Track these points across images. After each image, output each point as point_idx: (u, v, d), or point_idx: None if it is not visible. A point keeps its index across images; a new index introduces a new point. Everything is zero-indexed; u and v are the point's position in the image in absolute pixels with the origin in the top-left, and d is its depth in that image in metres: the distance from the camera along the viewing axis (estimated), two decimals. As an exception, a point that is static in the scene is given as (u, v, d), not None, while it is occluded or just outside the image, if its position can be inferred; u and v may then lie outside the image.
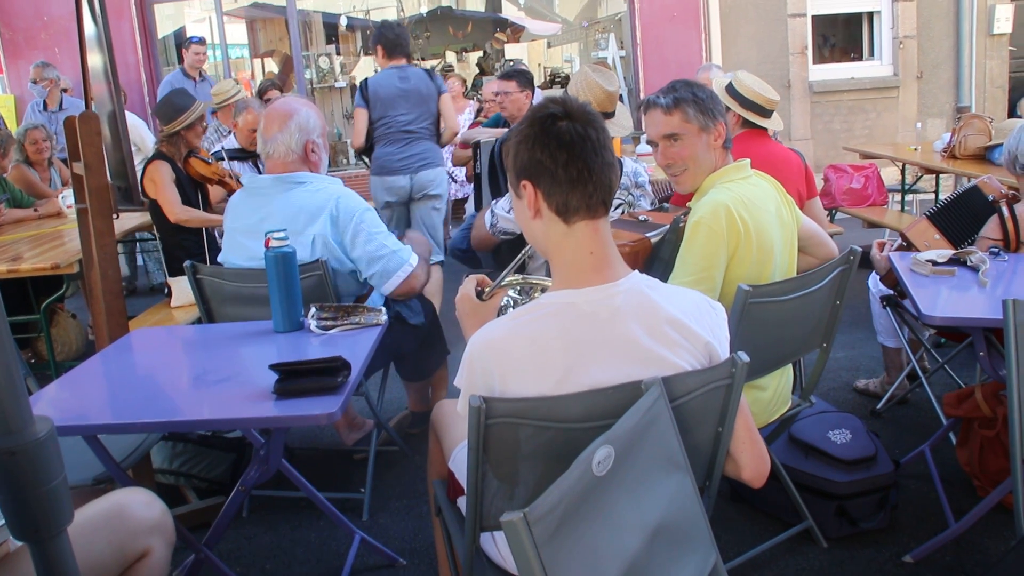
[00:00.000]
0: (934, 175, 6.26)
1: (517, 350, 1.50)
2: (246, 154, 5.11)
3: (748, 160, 2.50)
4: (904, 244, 3.15)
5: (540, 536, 1.09)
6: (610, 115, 3.21)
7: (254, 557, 2.80)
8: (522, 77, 4.98)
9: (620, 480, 1.30)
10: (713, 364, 1.62)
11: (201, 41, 7.49)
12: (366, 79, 5.12)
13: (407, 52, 5.12)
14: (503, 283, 1.92)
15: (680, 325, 1.56)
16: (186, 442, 3.17)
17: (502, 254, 3.70)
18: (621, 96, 3.38)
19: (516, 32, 12.42)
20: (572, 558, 1.16)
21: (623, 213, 3.15)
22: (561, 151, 1.49)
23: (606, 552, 1.24)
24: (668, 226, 2.50)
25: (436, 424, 2.20)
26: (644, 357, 1.53)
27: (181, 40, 9.84)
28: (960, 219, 3.09)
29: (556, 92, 3.32)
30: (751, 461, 1.73)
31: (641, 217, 2.83)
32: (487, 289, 1.90)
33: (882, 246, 3.18)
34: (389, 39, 5.03)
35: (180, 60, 9.53)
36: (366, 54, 11.97)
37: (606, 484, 1.27)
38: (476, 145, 4.72)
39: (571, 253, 1.56)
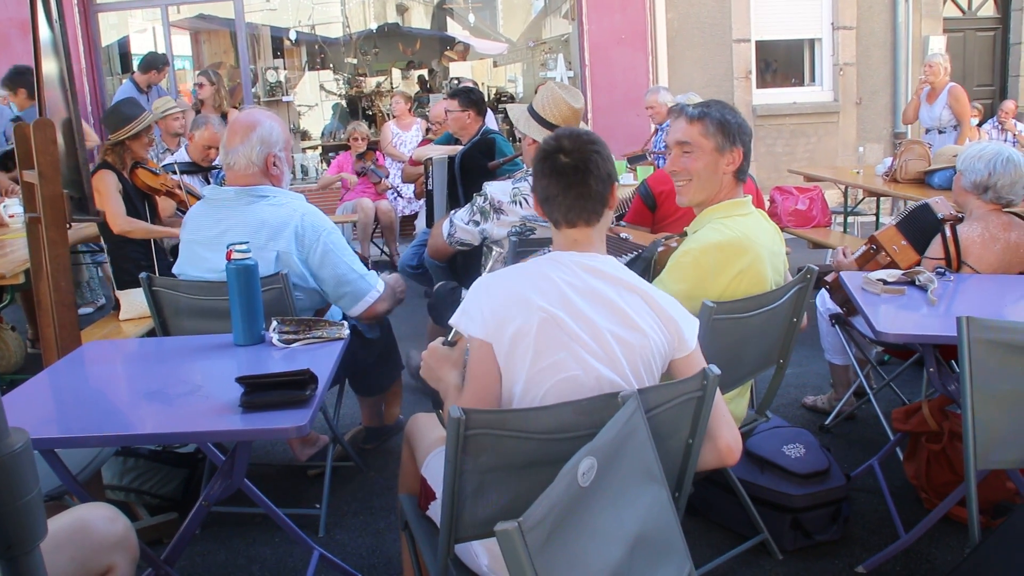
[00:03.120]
0: (875, 198, 6.45)
1: (512, 282, 1.77)
2: (197, 168, 5.04)
3: (750, 197, 2.50)
4: (872, 248, 3.25)
5: (533, 545, 1.10)
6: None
7: (208, 575, 2.75)
8: (465, 96, 5.03)
9: (603, 491, 1.32)
10: (680, 344, 1.79)
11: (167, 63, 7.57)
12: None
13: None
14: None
15: (647, 296, 1.79)
16: (137, 457, 3.10)
17: (457, 264, 3.72)
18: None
19: (465, 50, 12.47)
20: (563, 568, 1.17)
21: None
22: (543, 177, 1.82)
23: (592, 562, 1.26)
24: (647, 248, 2.54)
25: (410, 435, 2.19)
26: (614, 310, 1.74)
27: (125, 49, 9.69)
28: (921, 230, 3.20)
29: (519, 107, 3.31)
30: (727, 434, 1.82)
31: (623, 235, 2.89)
32: (451, 336, 1.96)
33: (845, 252, 3.31)
34: (30, 81, 6.21)
35: (124, 70, 9.38)
36: (311, 69, 11.92)
37: (590, 495, 1.28)
38: (428, 162, 4.72)
39: (559, 240, 1.87)
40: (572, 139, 1.80)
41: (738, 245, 2.32)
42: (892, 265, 3.15)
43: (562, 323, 1.69)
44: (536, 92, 3.35)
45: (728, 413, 1.85)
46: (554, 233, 1.88)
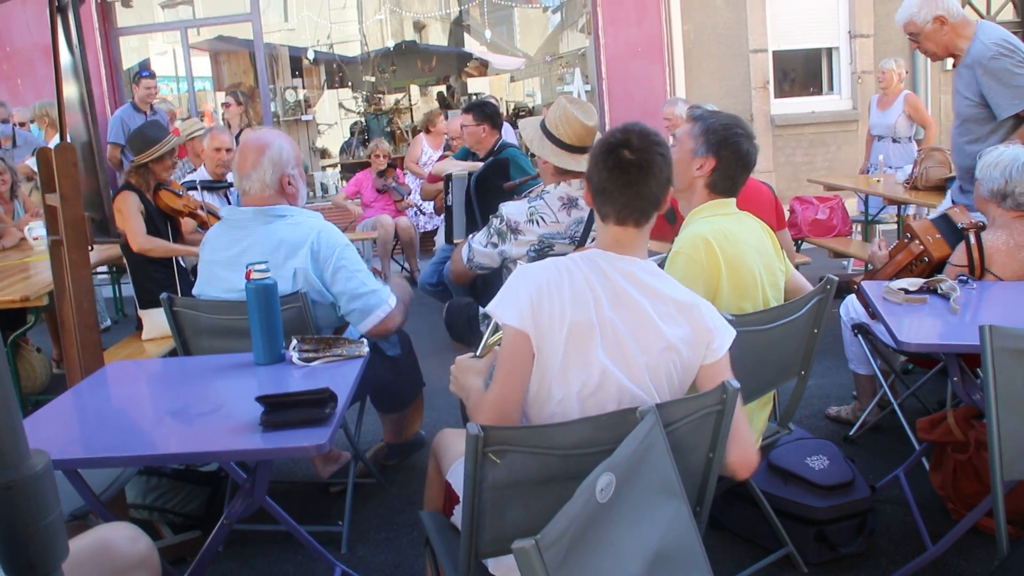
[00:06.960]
0: (896, 206, 6.40)
1: (552, 278, 1.78)
2: (216, 185, 5.09)
3: (733, 200, 2.52)
4: (907, 237, 3.25)
5: (551, 563, 1.09)
6: (587, 150, 3.23)
7: (231, 594, 2.76)
8: (479, 111, 5.07)
9: (621, 507, 1.31)
10: (708, 352, 1.80)
11: (151, 75, 7.38)
12: None
13: None
14: (490, 342, 2.03)
15: (681, 304, 1.81)
16: (160, 476, 3.12)
17: (478, 288, 3.72)
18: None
19: (483, 66, 12.54)
20: (581, 584, 1.16)
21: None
22: (604, 170, 1.81)
23: (611, 578, 1.25)
24: (661, 256, 2.54)
25: (436, 449, 2.20)
26: (644, 322, 1.76)
27: (133, 74, 9.81)
28: (951, 232, 3.19)
29: (532, 123, 3.29)
30: (737, 448, 1.79)
31: None
32: (479, 350, 2.01)
33: (881, 245, 3.38)
34: None
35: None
36: (330, 88, 12.02)
37: (608, 511, 1.28)
38: (448, 178, 4.73)
39: (603, 236, 1.88)
40: (640, 136, 1.80)
41: (722, 238, 2.35)
42: (925, 254, 3.16)
43: (591, 330, 1.73)
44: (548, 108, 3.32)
45: (744, 428, 1.83)
46: (599, 226, 1.88)
